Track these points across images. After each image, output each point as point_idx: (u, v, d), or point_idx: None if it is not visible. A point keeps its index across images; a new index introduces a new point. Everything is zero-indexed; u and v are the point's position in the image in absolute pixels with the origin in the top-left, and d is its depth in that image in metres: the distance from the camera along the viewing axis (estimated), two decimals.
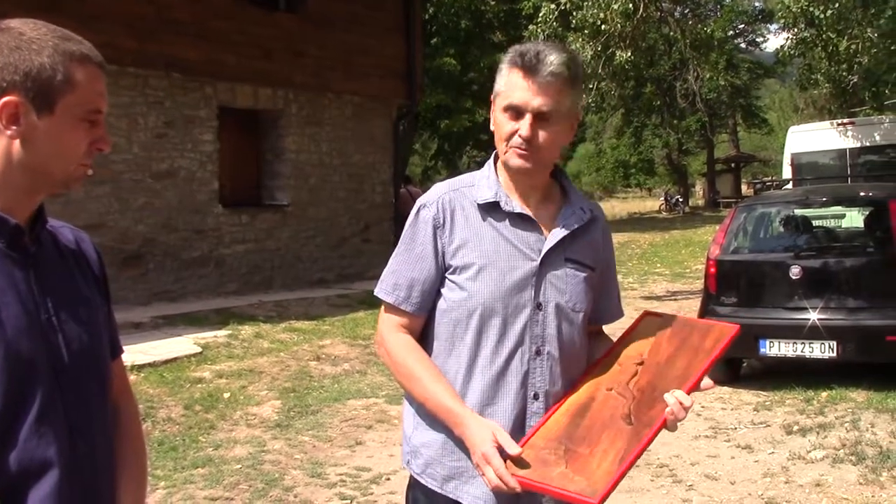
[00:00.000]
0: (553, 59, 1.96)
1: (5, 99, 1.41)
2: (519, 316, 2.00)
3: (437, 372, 2.02)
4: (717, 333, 1.98)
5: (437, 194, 2.10)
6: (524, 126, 1.97)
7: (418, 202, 2.12)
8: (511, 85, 1.99)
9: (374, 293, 2.13)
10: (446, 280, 2.05)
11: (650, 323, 2.11)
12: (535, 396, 2.01)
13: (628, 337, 2.10)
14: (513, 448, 1.83)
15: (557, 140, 2.02)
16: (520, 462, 1.83)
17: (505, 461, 1.82)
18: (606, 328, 2.27)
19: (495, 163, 2.12)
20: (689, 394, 1.86)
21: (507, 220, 2.04)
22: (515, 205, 2.04)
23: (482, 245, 2.02)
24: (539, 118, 1.97)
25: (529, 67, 1.96)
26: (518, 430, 1.98)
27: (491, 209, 2.04)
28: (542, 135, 1.98)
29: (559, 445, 1.86)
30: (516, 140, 1.98)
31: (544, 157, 2.03)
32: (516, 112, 1.98)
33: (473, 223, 2.04)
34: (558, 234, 2.04)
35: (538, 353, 2.01)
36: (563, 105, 1.99)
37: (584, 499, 1.73)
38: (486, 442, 1.84)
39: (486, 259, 2.01)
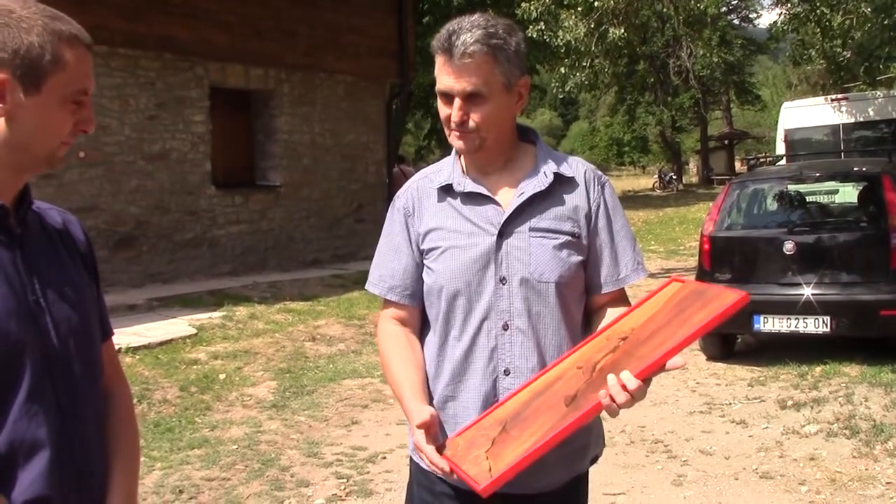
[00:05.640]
0: (465, 39, 1.90)
1: None
2: (483, 292, 1.99)
3: (406, 359, 2.04)
4: (717, 304, 1.72)
5: (409, 184, 2.15)
6: (454, 111, 1.95)
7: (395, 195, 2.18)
8: (438, 70, 1.96)
9: (365, 287, 2.18)
10: (424, 265, 2.08)
11: (667, 291, 1.89)
12: (507, 372, 1.98)
13: (637, 308, 1.89)
14: (417, 434, 1.84)
15: (500, 115, 1.98)
16: (460, 442, 1.83)
17: (444, 443, 1.85)
18: None
19: None
20: (643, 376, 1.65)
21: (460, 200, 2.04)
22: (468, 184, 2.03)
23: (445, 227, 2.03)
24: (469, 99, 1.94)
25: (446, 50, 1.93)
26: (489, 406, 1.97)
27: (448, 191, 2.06)
28: (476, 115, 1.95)
29: (499, 426, 1.78)
30: (452, 124, 1.97)
31: (487, 136, 1.98)
32: (447, 97, 1.96)
33: (437, 207, 2.06)
34: (514, 203, 2.00)
35: (505, 327, 1.98)
36: (493, 80, 1.93)
37: (473, 484, 1.67)
38: (416, 431, 1.86)
39: (449, 240, 2.02)
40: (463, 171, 2.07)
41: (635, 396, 1.65)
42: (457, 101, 1.94)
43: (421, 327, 2.13)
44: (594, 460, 2.16)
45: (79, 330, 1.53)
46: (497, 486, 1.65)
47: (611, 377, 1.66)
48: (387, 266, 2.11)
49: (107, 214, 10.74)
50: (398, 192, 2.16)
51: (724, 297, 1.72)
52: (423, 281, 2.08)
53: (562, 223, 2.01)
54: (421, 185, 2.11)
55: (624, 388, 1.65)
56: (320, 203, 13.86)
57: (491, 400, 1.97)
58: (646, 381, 1.67)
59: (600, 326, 1.95)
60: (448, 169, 2.09)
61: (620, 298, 2.10)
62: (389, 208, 2.15)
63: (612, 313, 2.01)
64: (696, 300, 1.78)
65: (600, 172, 2.13)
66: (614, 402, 1.65)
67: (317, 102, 13.81)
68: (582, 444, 2.04)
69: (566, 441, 1.68)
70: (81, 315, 1.55)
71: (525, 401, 1.81)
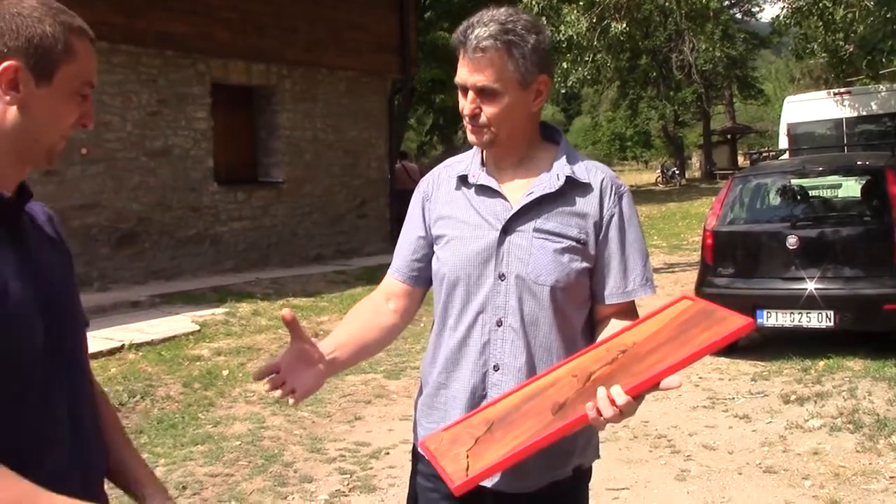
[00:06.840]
0: (479, 33, 1.90)
1: (5, 64, 1.39)
2: (482, 285, 1.99)
3: (348, 331, 2.05)
4: (723, 327, 1.69)
5: (435, 169, 2.19)
6: (466, 104, 1.97)
7: None
8: (458, 63, 1.98)
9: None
10: (434, 252, 2.10)
11: (676, 308, 1.85)
12: (496, 368, 1.98)
13: (643, 322, 1.86)
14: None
15: (513, 111, 1.96)
16: (444, 437, 1.83)
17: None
18: None
19: None
20: (635, 392, 1.63)
21: (474, 191, 2.05)
22: (482, 176, 2.04)
23: (455, 216, 2.05)
24: (482, 93, 1.94)
25: (462, 44, 1.95)
26: (477, 399, 1.96)
27: (464, 181, 2.07)
28: (489, 110, 1.95)
29: (485, 426, 1.77)
30: (465, 117, 1.99)
31: (498, 131, 1.98)
32: (464, 90, 1.98)
33: (451, 195, 2.08)
34: (522, 202, 1.99)
35: (499, 323, 1.98)
36: (506, 76, 1.92)
37: (448, 480, 1.68)
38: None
39: (456, 229, 2.04)
40: (481, 164, 2.08)
41: (624, 412, 1.63)
42: (469, 94, 1.96)
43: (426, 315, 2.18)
44: (577, 469, 2.08)
45: (77, 323, 1.55)
46: (471, 486, 1.66)
47: (600, 390, 1.65)
48: (401, 246, 2.17)
49: (109, 211, 10.74)
50: (424, 177, 2.20)
51: (731, 322, 1.70)
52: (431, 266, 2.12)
53: (567, 227, 1.98)
54: (442, 173, 2.15)
55: (612, 402, 1.63)
56: (323, 199, 13.86)
57: (479, 392, 1.98)
58: (637, 397, 1.65)
59: (602, 337, 1.92)
60: (468, 160, 2.11)
61: (628, 311, 2.05)
62: (415, 191, 2.20)
63: (615, 325, 1.98)
64: (702, 320, 1.75)
65: (621, 182, 2.07)
66: (601, 415, 1.63)
67: (318, 98, 13.81)
68: (566, 449, 1.99)
69: (551, 445, 1.68)
70: (78, 307, 1.57)
71: (516, 404, 1.80)
